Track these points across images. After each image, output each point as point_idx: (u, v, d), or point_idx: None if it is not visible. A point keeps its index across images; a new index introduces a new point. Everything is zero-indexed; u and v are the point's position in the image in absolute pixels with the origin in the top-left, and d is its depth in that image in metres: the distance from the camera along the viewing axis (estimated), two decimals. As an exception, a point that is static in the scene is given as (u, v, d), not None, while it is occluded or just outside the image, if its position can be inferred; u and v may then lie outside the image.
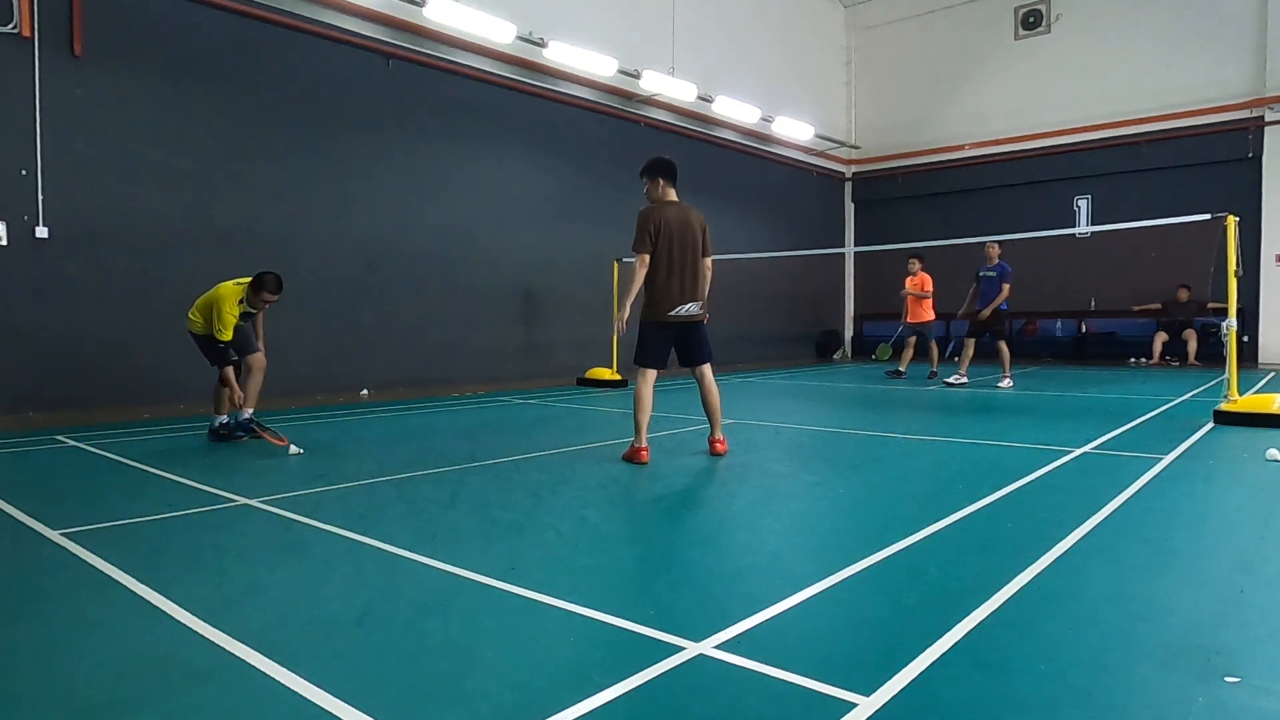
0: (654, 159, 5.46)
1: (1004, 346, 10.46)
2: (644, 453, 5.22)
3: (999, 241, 10.36)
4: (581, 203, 11.73)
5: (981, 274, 10.56)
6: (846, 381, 11.64)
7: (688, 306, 5.28)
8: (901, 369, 11.96)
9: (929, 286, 11.64)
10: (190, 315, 6.08)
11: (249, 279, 6.02)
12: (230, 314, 5.84)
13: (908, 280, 11.78)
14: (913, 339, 11.99)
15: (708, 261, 5.45)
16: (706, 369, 5.45)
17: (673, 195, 5.41)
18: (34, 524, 3.61)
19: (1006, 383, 10.32)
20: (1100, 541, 3.24)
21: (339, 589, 2.79)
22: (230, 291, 5.89)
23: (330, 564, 3.08)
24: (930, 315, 11.79)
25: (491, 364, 10.57)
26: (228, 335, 5.85)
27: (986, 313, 10.38)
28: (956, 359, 10.97)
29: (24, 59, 6.80)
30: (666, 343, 5.36)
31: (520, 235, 10.86)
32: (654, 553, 3.25)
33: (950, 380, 10.45)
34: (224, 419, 6.09)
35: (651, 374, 5.32)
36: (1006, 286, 10.22)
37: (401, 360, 9.60)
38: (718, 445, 5.40)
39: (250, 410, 5.98)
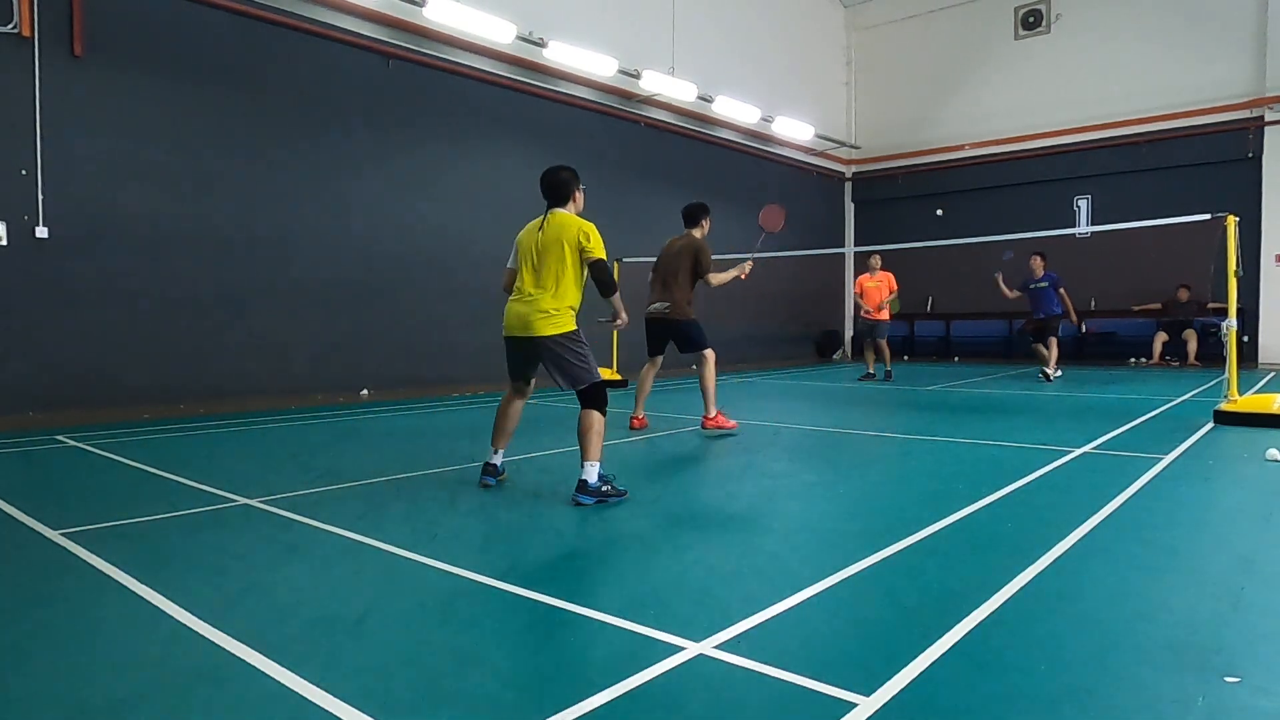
0: None
1: (1054, 346, 11.01)
2: (633, 420, 6.65)
3: (1040, 253, 11.15)
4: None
5: (1032, 286, 11.05)
6: (846, 382, 11.62)
7: (652, 307, 6.60)
8: (871, 370, 11.69)
9: (894, 285, 11.63)
10: (536, 311, 4.29)
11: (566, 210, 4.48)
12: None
13: (864, 278, 11.75)
14: (879, 339, 11.69)
15: (712, 277, 6.49)
16: (698, 356, 6.53)
17: (691, 231, 6.64)
18: (34, 524, 3.61)
19: (1056, 374, 11.02)
20: (1100, 541, 3.24)
21: (339, 589, 2.79)
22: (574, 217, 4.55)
23: (330, 564, 3.08)
24: (880, 314, 11.59)
25: (491, 364, 10.48)
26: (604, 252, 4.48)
27: (1074, 317, 11.25)
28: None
29: (24, 59, 6.80)
30: (651, 336, 6.67)
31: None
32: (654, 553, 3.25)
33: (1050, 373, 10.96)
34: (603, 473, 4.16)
35: (650, 361, 6.75)
36: (1063, 291, 10.95)
37: (401, 360, 9.59)
38: (704, 421, 6.44)
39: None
